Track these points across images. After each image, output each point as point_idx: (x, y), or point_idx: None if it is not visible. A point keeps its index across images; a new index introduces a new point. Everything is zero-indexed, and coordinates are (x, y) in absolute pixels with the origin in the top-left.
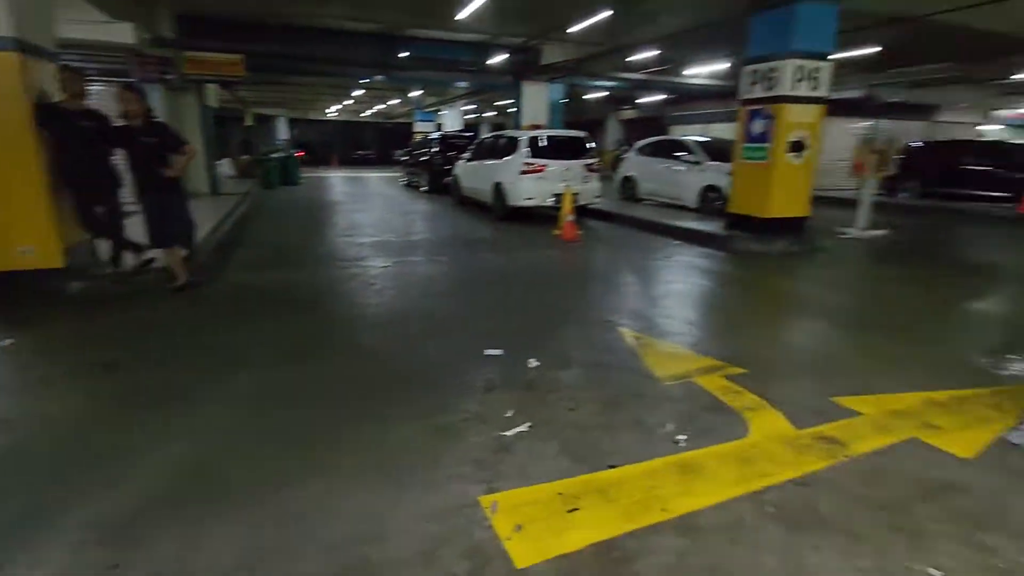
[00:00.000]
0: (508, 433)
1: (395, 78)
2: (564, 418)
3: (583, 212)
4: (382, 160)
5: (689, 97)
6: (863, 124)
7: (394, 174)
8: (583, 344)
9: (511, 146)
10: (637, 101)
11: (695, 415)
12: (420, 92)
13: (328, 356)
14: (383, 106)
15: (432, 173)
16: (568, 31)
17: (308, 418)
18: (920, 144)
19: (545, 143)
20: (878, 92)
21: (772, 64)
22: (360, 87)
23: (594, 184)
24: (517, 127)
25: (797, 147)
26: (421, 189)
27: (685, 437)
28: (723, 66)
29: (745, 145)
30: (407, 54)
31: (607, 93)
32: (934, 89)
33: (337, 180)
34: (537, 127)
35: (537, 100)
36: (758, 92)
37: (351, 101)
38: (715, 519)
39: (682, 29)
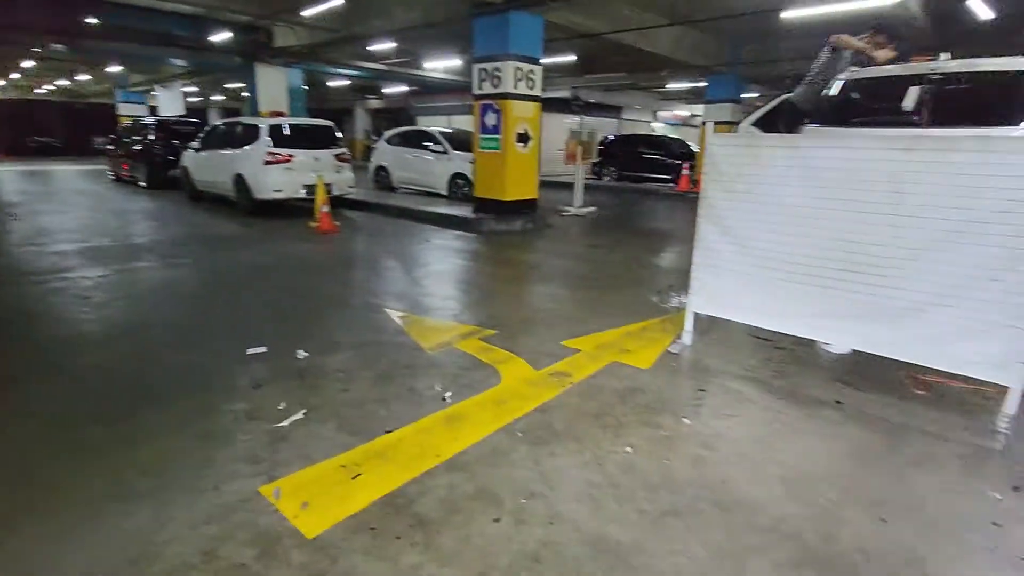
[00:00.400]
0: (283, 424)
1: (82, 49)
2: (339, 399)
3: (339, 203)
4: (76, 149)
5: (432, 89)
6: (572, 119)
7: (98, 166)
8: (351, 329)
9: (250, 134)
10: (383, 91)
11: (458, 374)
12: (120, 68)
13: (38, 385)
14: (68, 83)
15: (153, 165)
16: (302, 14)
17: (18, 456)
18: (613, 137)
19: (289, 132)
20: (580, 94)
21: (496, 64)
22: (32, 57)
23: (347, 174)
24: (255, 113)
25: (523, 138)
26: (139, 184)
27: (450, 394)
28: (458, 62)
29: (481, 136)
30: (96, 20)
31: (350, 82)
32: (618, 93)
33: (8, 175)
34: (279, 114)
35: (274, 85)
36: (487, 89)
37: (18, 75)
38: (478, 453)
39: (415, 25)
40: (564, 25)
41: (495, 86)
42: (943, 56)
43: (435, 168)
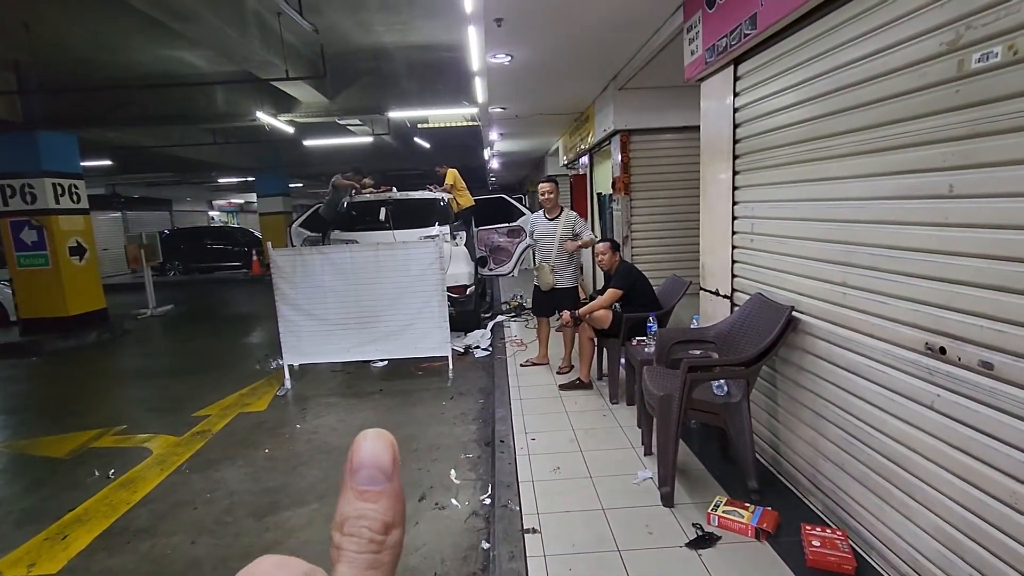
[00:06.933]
0: None
1: None
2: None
3: None
4: None
5: None
6: (112, 215)
7: None
8: None
9: None
10: None
11: (110, 461)
12: None
13: None
14: None
15: None
16: None
17: None
18: (168, 232)
19: None
20: (120, 190)
21: (28, 180)
22: None
23: None
24: None
25: (77, 251)
26: None
27: (113, 471)
28: None
29: (19, 254)
30: None
31: None
32: (166, 187)
33: None
34: None
35: None
36: (19, 205)
37: None
38: (161, 490)
39: None
40: (97, 140)
41: (30, 203)
42: (395, 189)
43: None
